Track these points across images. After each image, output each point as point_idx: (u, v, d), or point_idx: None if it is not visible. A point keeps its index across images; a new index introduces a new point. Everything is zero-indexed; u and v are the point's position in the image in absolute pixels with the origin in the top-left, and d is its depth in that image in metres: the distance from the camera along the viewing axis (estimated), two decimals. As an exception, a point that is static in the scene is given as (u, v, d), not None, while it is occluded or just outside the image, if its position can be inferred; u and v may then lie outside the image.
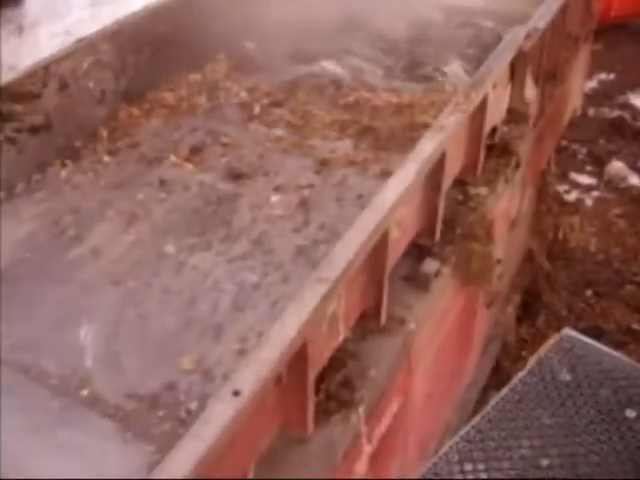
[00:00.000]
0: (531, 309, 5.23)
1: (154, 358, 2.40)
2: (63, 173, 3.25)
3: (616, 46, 8.08)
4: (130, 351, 2.43)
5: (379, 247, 2.36)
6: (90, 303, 2.60)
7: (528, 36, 3.48)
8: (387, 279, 2.48)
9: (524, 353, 4.70)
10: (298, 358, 1.95)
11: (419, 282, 2.79)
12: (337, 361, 2.33)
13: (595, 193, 6.54)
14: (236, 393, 1.71)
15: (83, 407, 2.24)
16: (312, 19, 4.14)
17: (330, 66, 4.05)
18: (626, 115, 7.67)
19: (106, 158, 3.37)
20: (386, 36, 4.42)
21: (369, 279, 2.41)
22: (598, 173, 6.79)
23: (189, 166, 3.33)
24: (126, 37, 3.64)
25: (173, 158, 3.37)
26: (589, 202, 6.39)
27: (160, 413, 2.22)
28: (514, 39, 3.45)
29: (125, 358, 2.40)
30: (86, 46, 3.46)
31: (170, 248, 2.86)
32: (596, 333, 4.98)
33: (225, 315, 2.55)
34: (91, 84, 3.47)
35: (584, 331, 4.82)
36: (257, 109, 3.74)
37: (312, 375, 2.04)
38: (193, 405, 2.23)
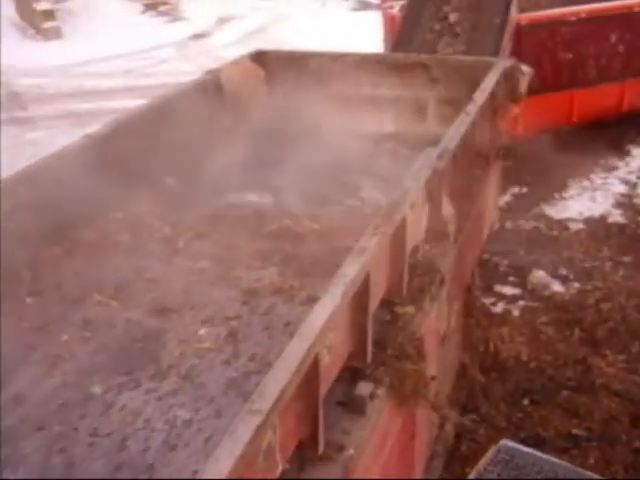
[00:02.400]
0: (470, 423, 5.20)
1: (83, 507, 2.30)
2: (-17, 319, 3.17)
3: (525, 161, 8.44)
4: (58, 502, 2.32)
5: (311, 374, 2.33)
6: (14, 451, 2.48)
7: (441, 156, 3.61)
8: (322, 406, 2.44)
9: (467, 469, 4.64)
10: (235, 495, 1.89)
11: (354, 406, 2.76)
12: (276, 494, 2.26)
13: (521, 303, 6.67)
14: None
15: None
16: (231, 153, 4.24)
17: (251, 197, 4.12)
18: (542, 225, 7.96)
19: (29, 300, 3.31)
20: (304, 165, 4.54)
21: (303, 407, 2.37)
22: (521, 283, 6.95)
23: (114, 304, 3.28)
24: (46, 178, 3.64)
25: (97, 297, 3.32)
26: (516, 312, 6.50)
27: None
28: (428, 160, 3.57)
29: (52, 510, 2.29)
30: (6, 188, 3.45)
31: (97, 389, 2.78)
32: (537, 442, 4.97)
33: (157, 455, 2.47)
34: (12, 226, 3.43)
35: (525, 441, 4.84)
36: (181, 243, 3.75)
37: (251, 511, 1.97)
38: None
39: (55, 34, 16.04)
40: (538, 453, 2.16)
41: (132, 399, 2.72)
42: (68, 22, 16.67)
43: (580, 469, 2.15)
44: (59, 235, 3.69)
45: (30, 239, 3.53)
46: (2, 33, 15.33)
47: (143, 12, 18.53)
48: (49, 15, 16.14)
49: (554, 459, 2.14)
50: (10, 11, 17.43)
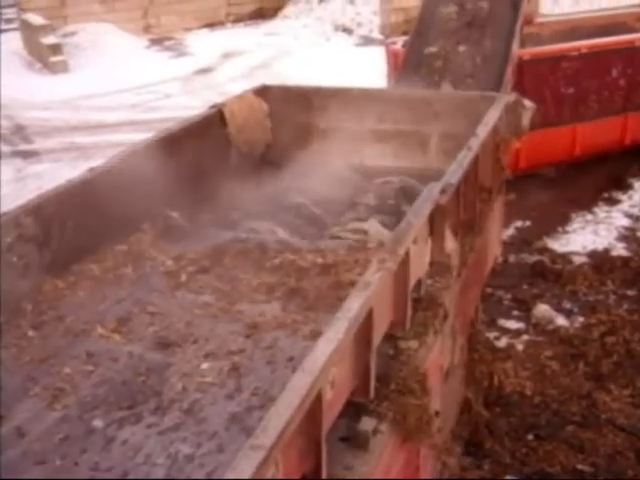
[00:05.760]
0: (474, 459, 5.16)
1: None
2: (-16, 352, 3.15)
3: (529, 194, 8.48)
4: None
5: (314, 409, 2.32)
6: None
7: (443, 191, 3.63)
8: (324, 441, 2.42)
9: (472, 506, 4.60)
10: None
11: (357, 441, 2.74)
12: (280, 531, 2.23)
13: (525, 337, 6.64)
14: None
15: None
16: (234, 186, 4.25)
17: (254, 230, 4.12)
18: (545, 259, 7.95)
19: (30, 332, 3.29)
20: (308, 199, 4.55)
21: (306, 443, 2.35)
22: (525, 317, 6.93)
23: (116, 337, 3.27)
24: (49, 210, 3.65)
25: (100, 330, 3.31)
26: (520, 346, 6.48)
27: None
28: (430, 194, 3.59)
29: None
30: (9, 220, 3.46)
31: (98, 423, 2.75)
32: (542, 477, 4.94)
33: None
34: (14, 258, 3.44)
35: (530, 477, 4.80)
36: (184, 277, 3.73)
37: None
38: None
39: (62, 68, 16.16)
40: (543, 490, 2.13)
41: (133, 433, 2.69)
42: (75, 56, 16.80)
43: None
44: (62, 267, 3.69)
45: (33, 271, 3.54)
46: (10, 67, 15.47)
47: (148, 47, 18.69)
48: (56, 49, 16.27)
49: (560, 496, 2.12)
50: (18, 46, 17.63)
